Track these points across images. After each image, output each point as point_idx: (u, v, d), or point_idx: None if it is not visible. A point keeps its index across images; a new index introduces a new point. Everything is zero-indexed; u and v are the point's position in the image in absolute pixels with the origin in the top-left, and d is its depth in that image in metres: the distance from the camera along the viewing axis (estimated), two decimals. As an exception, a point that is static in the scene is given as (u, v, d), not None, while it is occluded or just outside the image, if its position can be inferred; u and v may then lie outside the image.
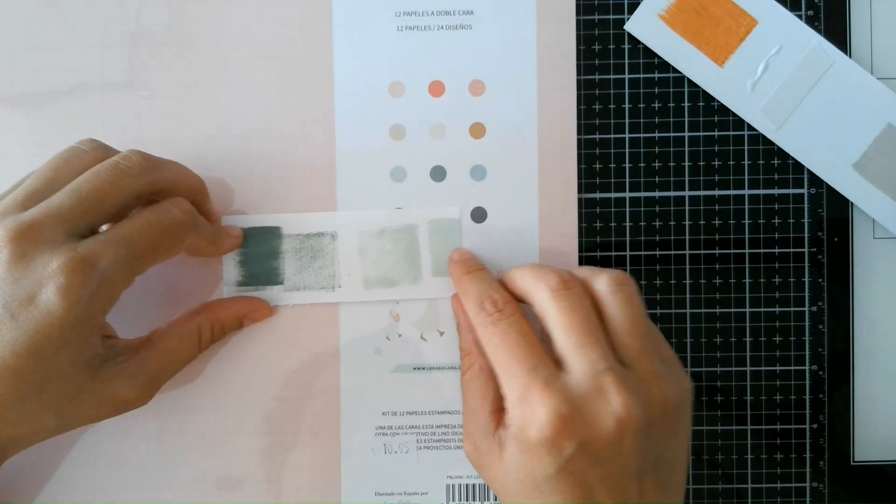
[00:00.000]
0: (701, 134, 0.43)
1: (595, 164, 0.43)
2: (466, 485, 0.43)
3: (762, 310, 0.43)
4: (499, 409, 0.37)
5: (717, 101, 0.43)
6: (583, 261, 0.43)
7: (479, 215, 0.43)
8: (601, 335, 0.35)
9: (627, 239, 0.43)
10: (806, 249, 0.43)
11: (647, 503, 0.34)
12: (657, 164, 0.43)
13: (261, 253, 0.43)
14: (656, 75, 0.43)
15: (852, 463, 0.44)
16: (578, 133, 0.43)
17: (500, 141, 0.43)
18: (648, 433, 0.34)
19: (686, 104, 0.43)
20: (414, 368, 0.43)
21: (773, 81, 0.43)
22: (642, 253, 0.43)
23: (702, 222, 0.43)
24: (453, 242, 0.43)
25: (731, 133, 0.43)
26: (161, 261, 0.37)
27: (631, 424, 0.33)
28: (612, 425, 0.33)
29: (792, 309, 0.43)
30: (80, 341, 0.34)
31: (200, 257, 0.42)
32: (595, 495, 0.34)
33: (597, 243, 0.43)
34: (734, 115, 0.43)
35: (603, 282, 0.36)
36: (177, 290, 0.42)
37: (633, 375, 0.35)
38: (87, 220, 0.35)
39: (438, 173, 0.43)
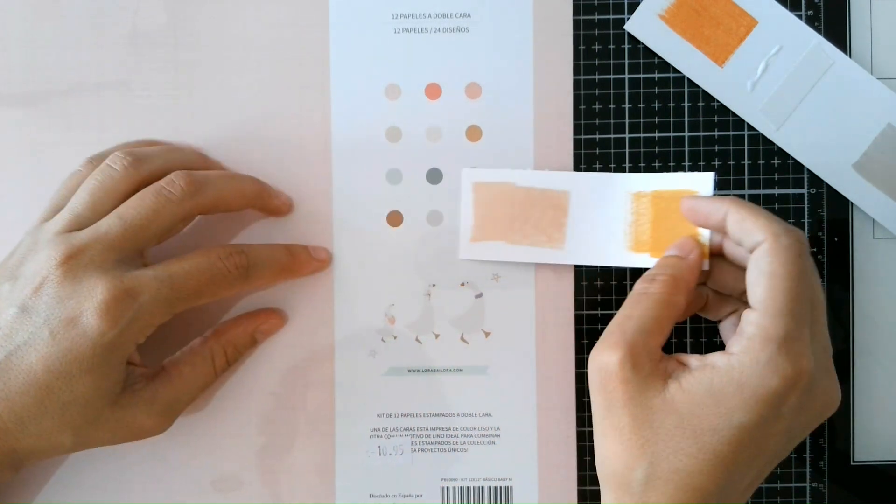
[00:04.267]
0: (701, 134, 0.43)
1: (595, 165, 0.43)
2: (461, 487, 0.43)
3: (762, 310, 0.43)
4: (661, 346, 0.36)
5: (717, 101, 0.43)
6: (581, 261, 0.43)
7: (475, 218, 0.43)
8: None
9: (626, 239, 0.43)
10: (806, 249, 0.43)
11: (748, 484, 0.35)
12: (657, 165, 0.43)
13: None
14: (656, 75, 0.43)
15: (852, 463, 0.44)
16: (578, 133, 0.43)
17: (497, 144, 0.43)
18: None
19: (686, 104, 0.43)
20: (409, 371, 0.43)
21: (773, 81, 0.42)
22: (641, 254, 0.43)
23: (701, 222, 0.43)
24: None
25: (731, 133, 0.43)
26: (203, 303, 0.38)
27: (832, 412, 0.35)
28: (829, 409, 0.35)
29: (792, 309, 0.43)
30: (107, 367, 0.35)
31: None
32: (759, 456, 0.34)
33: (596, 243, 0.43)
34: (734, 115, 0.43)
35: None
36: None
37: None
38: (133, 246, 0.37)
39: (434, 176, 0.43)
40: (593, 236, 0.42)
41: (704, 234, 0.39)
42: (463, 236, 0.42)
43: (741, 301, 0.39)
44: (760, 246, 0.34)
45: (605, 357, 0.35)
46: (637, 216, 0.41)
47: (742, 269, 0.38)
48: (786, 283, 0.33)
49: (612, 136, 0.43)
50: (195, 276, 0.37)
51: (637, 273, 0.39)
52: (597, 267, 0.43)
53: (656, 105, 0.43)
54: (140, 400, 0.37)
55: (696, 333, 0.44)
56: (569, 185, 0.42)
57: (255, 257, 0.40)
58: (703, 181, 0.39)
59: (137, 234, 0.36)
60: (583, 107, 0.43)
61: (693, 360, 0.35)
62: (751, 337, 0.34)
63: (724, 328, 0.40)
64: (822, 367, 0.34)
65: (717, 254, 0.39)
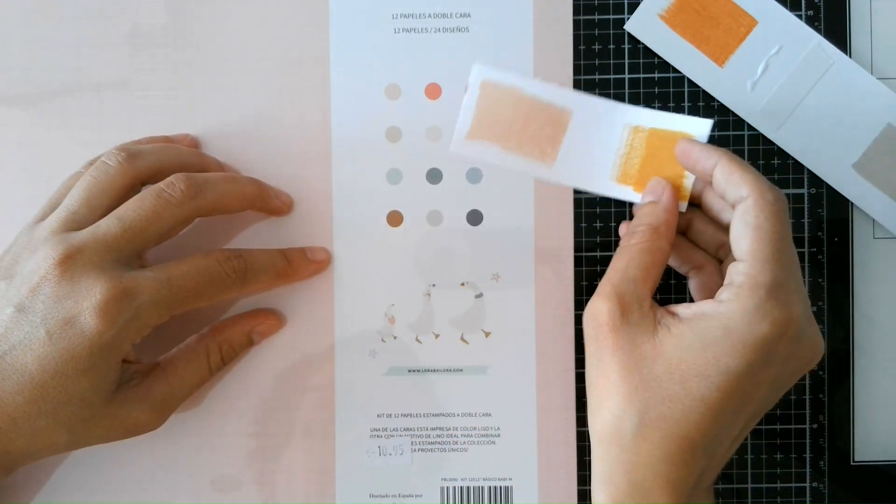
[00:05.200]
0: (701, 134, 0.43)
1: (594, 165, 0.43)
2: (461, 487, 0.43)
3: (762, 310, 0.43)
4: (652, 293, 0.37)
5: (717, 101, 0.43)
6: (582, 261, 0.43)
7: (474, 218, 0.43)
8: None
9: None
10: (806, 249, 0.43)
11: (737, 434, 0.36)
12: (657, 164, 0.43)
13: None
14: (656, 75, 0.43)
15: (852, 463, 0.44)
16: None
17: (496, 143, 0.43)
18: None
19: (686, 104, 0.43)
20: (409, 371, 0.43)
21: (773, 81, 0.42)
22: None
23: (701, 223, 0.43)
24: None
25: (731, 133, 0.43)
26: (200, 306, 0.38)
27: (816, 363, 0.36)
28: (814, 359, 0.36)
29: (792, 309, 0.43)
30: (103, 367, 0.35)
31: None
32: (745, 406, 0.35)
33: (596, 243, 0.43)
34: (734, 115, 0.43)
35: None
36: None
37: None
38: (132, 248, 0.36)
39: (434, 176, 0.43)
40: (584, 160, 0.41)
41: (689, 179, 0.40)
42: (459, 131, 0.41)
43: (711, 257, 0.41)
44: (745, 200, 0.35)
45: (595, 307, 0.36)
46: (630, 149, 0.41)
47: (715, 224, 0.40)
48: (771, 234, 0.34)
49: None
50: (193, 278, 0.37)
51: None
52: (597, 267, 0.43)
53: (656, 105, 0.43)
54: (134, 396, 0.37)
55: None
56: (573, 104, 0.41)
57: (252, 262, 0.40)
58: (701, 126, 0.40)
59: (136, 235, 0.36)
60: (583, 107, 0.43)
61: (683, 308, 0.36)
62: (740, 285, 0.34)
63: (694, 287, 0.41)
64: (807, 316, 0.35)
65: (696, 203, 0.40)
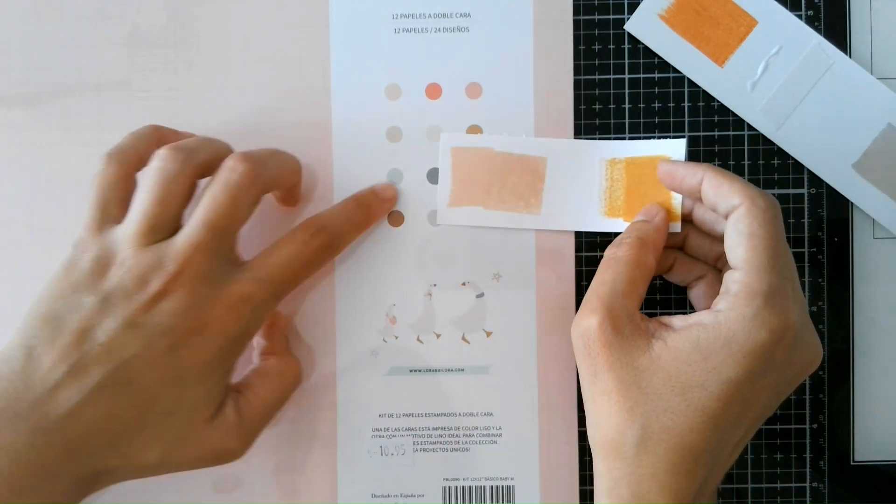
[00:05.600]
0: (701, 134, 0.43)
1: (594, 165, 0.43)
2: (463, 487, 0.43)
3: (762, 310, 0.43)
4: (639, 307, 0.37)
5: (717, 101, 0.43)
6: (582, 261, 0.43)
7: (475, 218, 0.43)
8: None
9: (626, 239, 0.43)
10: (806, 249, 0.43)
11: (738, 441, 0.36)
12: (657, 164, 0.43)
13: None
14: (656, 75, 0.43)
15: (852, 463, 0.44)
16: (578, 133, 0.43)
17: (497, 143, 0.43)
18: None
19: (686, 104, 0.43)
20: (410, 370, 0.43)
21: (773, 81, 0.42)
22: (641, 253, 0.43)
23: (701, 223, 0.43)
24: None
25: (731, 133, 0.43)
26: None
27: (815, 368, 0.36)
28: (813, 363, 0.36)
29: (792, 309, 0.43)
30: (218, 375, 0.36)
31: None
32: (746, 413, 0.35)
33: (596, 243, 0.43)
34: (734, 115, 0.43)
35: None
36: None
37: None
38: (226, 246, 0.36)
39: (435, 176, 0.43)
40: (569, 202, 0.42)
41: (677, 199, 0.40)
42: (440, 202, 0.42)
43: (711, 267, 0.41)
44: (737, 209, 0.35)
45: (585, 322, 0.36)
46: (611, 182, 0.42)
47: (711, 237, 0.40)
48: (765, 242, 0.34)
49: (612, 136, 0.43)
50: (289, 268, 0.37)
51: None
52: (597, 267, 0.43)
53: (656, 105, 0.43)
54: (229, 421, 0.37)
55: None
56: (546, 151, 0.42)
57: (334, 230, 0.39)
58: (675, 147, 0.41)
59: (226, 232, 0.36)
60: (583, 107, 0.43)
61: (677, 320, 0.36)
62: (736, 294, 0.34)
63: (694, 296, 0.42)
64: (804, 322, 0.35)
65: (688, 220, 0.40)
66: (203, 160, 0.38)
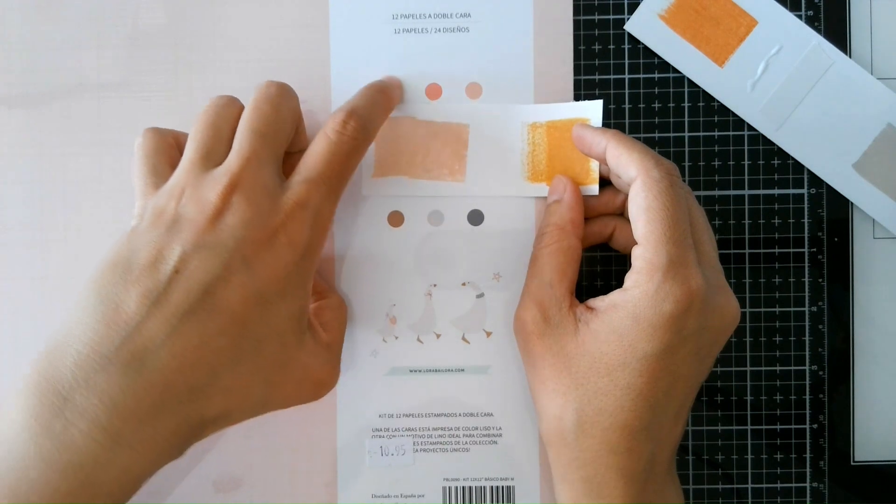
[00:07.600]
0: (701, 134, 0.43)
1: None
2: (463, 487, 0.43)
3: (762, 310, 0.43)
4: (571, 292, 0.38)
5: (717, 101, 0.43)
6: (582, 261, 0.43)
7: (475, 218, 0.43)
8: None
9: (626, 239, 0.43)
10: (806, 249, 0.43)
11: (681, 403, 0.36)
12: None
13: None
14: (656, 75, 0.43)
15: (852, 463, 0.44)
16: (578, 133, 0.43)
17: (497, 143, 0.43)
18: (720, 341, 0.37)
19: (686, 104, 0.43)
20: (410, 371, 0.43)
21: (773, 81, 0.42)
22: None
23: (701, 223, 0.43)
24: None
25: (731, 133, 0.43)
26: (348, 178, 0.37)
27: (734, 326, 0.36)
28: (730, 324, 0.36)
29: (792, 309, 0.43)
30: (299, 289, 0.35)
31: None
32: (675, 384, 0.35)
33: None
34: (734, 115, 0.43)
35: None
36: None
37: None
38: (275, 154, 0.36)
39: (436, 175, 0.43)
40: (493, 168, 0.42)
41: (595, 163, 0.41)
42: (365, 173, 0.42)
43: None
44: (635, 182, 0.36)
45: (521, 317, 0.38)
46: (533, 146, 0.42)
47: None
48: (660, 213, 0.35)
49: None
50: (330, 160, 0.36)
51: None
52: (597, 267, 0.43)
53: (656, 105, 0.43)
54: (319, 343, 0.37)
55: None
56: (468, 118, 0.42)
57: (363, 113, 0.37)
58: (592, 109, 0.41)
59: (273, 140, 0.35)
60: (583, 107, 0.43)
61: (598, 301, 0.37)
62: (639, 270, 0.35)
63: None
64: (713, 285, 0.36)
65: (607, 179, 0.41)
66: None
